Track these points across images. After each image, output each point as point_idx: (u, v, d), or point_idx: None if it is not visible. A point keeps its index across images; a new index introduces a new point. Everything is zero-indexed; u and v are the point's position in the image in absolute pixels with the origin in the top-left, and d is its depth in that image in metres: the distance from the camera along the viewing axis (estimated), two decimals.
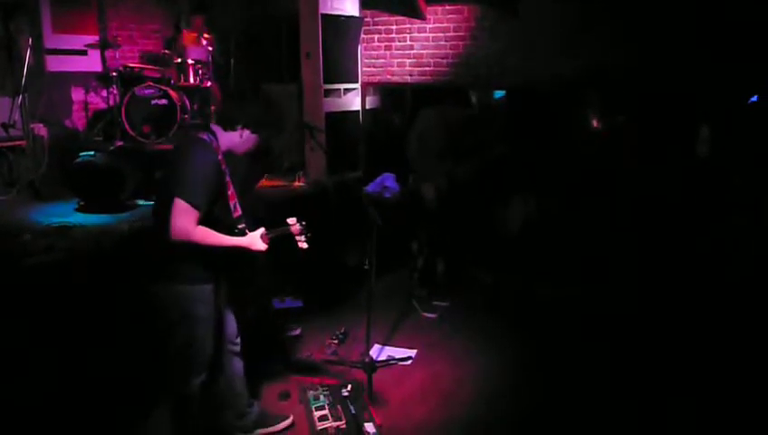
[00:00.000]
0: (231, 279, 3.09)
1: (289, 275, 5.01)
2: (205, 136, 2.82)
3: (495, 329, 4.77)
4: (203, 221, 2.68)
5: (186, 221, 2.62)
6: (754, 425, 3.46)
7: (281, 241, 2.99)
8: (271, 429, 3.39)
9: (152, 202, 4.87)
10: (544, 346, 4.48)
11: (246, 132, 2.90)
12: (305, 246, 3.05)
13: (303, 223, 3.06)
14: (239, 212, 2.87)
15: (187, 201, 2.62)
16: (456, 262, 5.34)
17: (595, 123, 5.83)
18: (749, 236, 4.92)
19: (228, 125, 2.89)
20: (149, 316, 2.95)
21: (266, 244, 2.88)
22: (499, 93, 6.31)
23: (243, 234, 2.86)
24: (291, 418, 3.48)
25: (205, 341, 2.90)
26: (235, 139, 2.90)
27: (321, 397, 3.69)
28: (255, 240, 2.86)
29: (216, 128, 2.90)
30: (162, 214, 2.69)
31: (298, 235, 3.04)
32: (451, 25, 6.22)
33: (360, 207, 3.99)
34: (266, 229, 2.92)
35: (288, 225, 3.05)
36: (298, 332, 4.63)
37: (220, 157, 2.79)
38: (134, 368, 3.59)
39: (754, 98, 4.94)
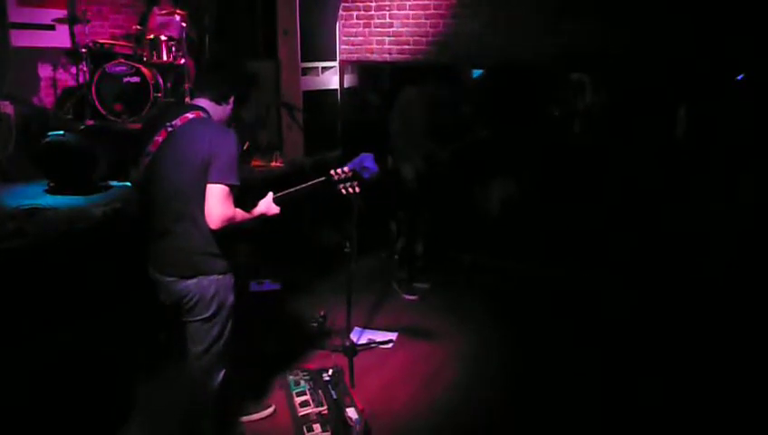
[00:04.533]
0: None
1: (267, 257, 4.94)
2: (203, 115, 2.72)
3: (476, 310, 4.79)
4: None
5: (228, 205, 2.58)
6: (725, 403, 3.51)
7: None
8: (253, 416, 3.36)
9: (127, 183, 4.86)
10: (525, 326, 4.51)
11: (234, 102, 2.84)
12: (359, 189, 2.96)
13: (346, 169, 2.94)
14: None
15: (228, 184, 2.56)
16: (435, 243, 5.31)
17: (580, 104, 5.81)
18: (727, 218, 4.96)
19: (224, 99, 2.80)
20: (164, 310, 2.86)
21: (278, 206, 2.83)
22: (478, 73, 6.25)
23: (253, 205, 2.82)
24: (273, 407, 3.45)
25: (231, 330, 2.85)
26: (228, 111, 2.83)
27: (302, 382, 3.63)
28: (269, 205, 2.82)
29: (204, 102, 2.77)
30: (184, 207, 2.61)
31: (342, 182, 2.93)
32: (431, 3, 6.12)
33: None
34: (273, 193, 2.84)
35: (328, 176, 2.93)
36: (277, 287, 4.58)
37: None
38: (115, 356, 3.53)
39: (740, 76, 4.94)
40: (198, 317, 2.75)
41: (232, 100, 2.82)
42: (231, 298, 2.81)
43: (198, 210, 2.58)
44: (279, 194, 2.86)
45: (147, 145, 2.70)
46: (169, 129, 2.65)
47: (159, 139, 2.66)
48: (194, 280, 2.69)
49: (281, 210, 2.85)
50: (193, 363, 2.84)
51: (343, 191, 2.98)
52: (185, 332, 2.83)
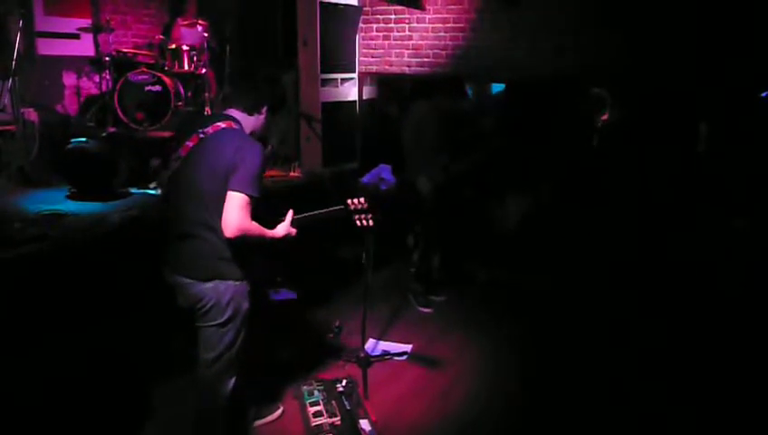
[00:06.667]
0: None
1: (283, 266, 4.95)
2: (235, 126, 2.75)
3: (492, 324, 4.74)
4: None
5: (244, 215, 2.58)
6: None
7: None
8: (266, 419, 3.38)
9: (147, 190, 4.92)
10: (540, 342, 4.45)
11: (268, 113, 2.86)
12: (372, 223, 3.02)
13: (362, 200, 3.00)
14: None
15: (248, 194, 2.58)
16: (451, 257, 5.29)
17: (604, 118, 5.76)
18: (747, 236, 4.90)
19: (255, 110, 2.82)
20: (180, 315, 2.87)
21: (295, 228, 2.86)
22: (499, 87, 6.25)
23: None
24: (281, 408, 3.48)
25: (244, 339, 2.86)
26: (260, 121, 2.86)
27: (316, 392, 3.63)
28: (287, 229, 2.84)
29: (236, 113, 2.80)
30: (201, 212, 2.65)
31: (357, 213, 2.99)
32: (451, 16, 6.15)
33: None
34: (294, 214, 2.87)
35: (346, 204, 2.99)
36: (293, 296, 4.59)
37: None
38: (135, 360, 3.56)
39: (765, 94, 4.89)
40: (212, 322, 2.76)
41: (264, 110, 2.84)
42: (246, 306, 2.81)
43: (217, 216, 2.59)
44: (297, 217, 2.89)
45: (178, 149, 2.75)
46: (201, 135, 2.69)
47: (190, 144, 2.71)
48: (210, 284, 2.71)
49: (297, 233, 2.87)
50: (204, 371, 2.84)
51: (357, 223, 3.04)
52: (198, 338, 2.84)
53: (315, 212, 2.97)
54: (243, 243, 2.65)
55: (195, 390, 2.93)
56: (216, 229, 2.62)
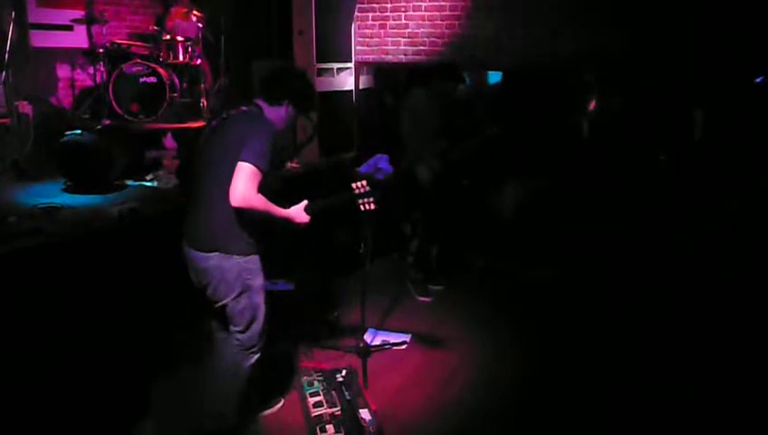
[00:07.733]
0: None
1: (281, 256, 4.93)
2: (255, 109, 2.91)
3: (490, 313, 4.75)
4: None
5: (251, 186, 2.67)
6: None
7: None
8: (266, 411, 3.40)
9: (143, 183, 4.89)
10: (539, 330, 4.46)
11: (291, 108, 2.97)
12: (374, 206, 3.15)
13: (364, 183, 3.13)
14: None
15: (255, 165, 2.66)
16: (449, 245, 5.28)
17: (592, 105, 5.75)
18: (742, 220, 4.91)
19: (276, 101, 2.94)
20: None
21: (308, 216, 2.96)
22: (496, 74, 6.22)
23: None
24: (282, 401, 3.50)
25: (267, 312, 2.95)
26: (281, 114, 2.96)
27: (316, 383, 3.63)
28: (299, 212, 2.95)
29: (260, 102, 2.94)
30: (214, 187, 2.76)
31: (361, 197, 3.12)
32: (447, 4, 6.12)
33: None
34: (308, 202, 2.97)
35: (350, 189, 3.11)
36: (291, 287, 4.61)
37: None
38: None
39: (758, 79, 4.88)
40: (226, 299, 2.86)
41: (285, 104, 2.95)
42: (257, 281, 2.90)
43: (228, 189, 2.68)
44: (311, 204, 2.97)
45: (207, 129, 2.98)
46: (225, 116, 2.91)
47: (215, 123, 2.94)
48: (214, 256, 2.79)
49: (309, 222, 2.97)
50: (233, 341, 2.94)
51: (361, 207, 3.15)
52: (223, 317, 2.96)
53: (328, 199, 3.09)
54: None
55: (215, 362, 3.04)
56: (225, 201, 2.69)
